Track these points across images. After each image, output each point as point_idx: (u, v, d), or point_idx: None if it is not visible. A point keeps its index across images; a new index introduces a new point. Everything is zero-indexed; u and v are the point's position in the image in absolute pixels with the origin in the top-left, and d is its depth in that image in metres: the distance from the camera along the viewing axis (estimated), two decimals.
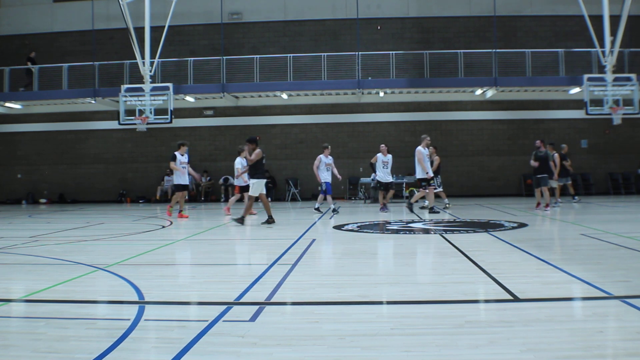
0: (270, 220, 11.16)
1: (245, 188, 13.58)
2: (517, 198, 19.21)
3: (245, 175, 13.60)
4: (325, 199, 13.98)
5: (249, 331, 3.65)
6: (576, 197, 16.47)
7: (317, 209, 14.03)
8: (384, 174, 14.42)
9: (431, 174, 13.42)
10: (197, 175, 14.80)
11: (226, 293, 4.85)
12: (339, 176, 14.39)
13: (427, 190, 13.42)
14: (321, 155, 14.00)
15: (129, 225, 12.11)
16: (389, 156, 14.53)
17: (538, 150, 14.06)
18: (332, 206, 13.87)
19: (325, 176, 13.79)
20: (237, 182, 13.79)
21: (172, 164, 13.10)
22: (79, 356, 3.22)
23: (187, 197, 17.69)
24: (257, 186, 11.08)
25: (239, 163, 13.68)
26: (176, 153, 13.05)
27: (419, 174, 13.38)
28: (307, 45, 21.56)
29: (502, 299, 4.49)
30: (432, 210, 13.36)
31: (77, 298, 4.74)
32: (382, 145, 14.71)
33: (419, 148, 13.29)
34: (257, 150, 10.99)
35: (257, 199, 11.48)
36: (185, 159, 13.16)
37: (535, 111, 21.31)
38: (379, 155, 14.50)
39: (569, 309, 4.32)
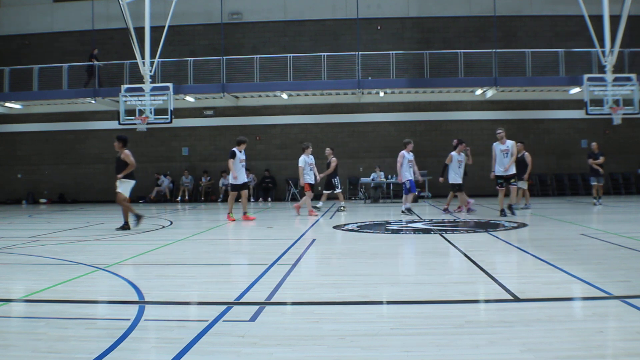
0: (125, 227, 10.61)
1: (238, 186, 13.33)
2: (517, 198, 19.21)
3: (310, 174, 13.41)
4: (408, 198, 13.31)
5: (249, 331, 3.65)
6: (599, 200, 15.38)
7: (408, 210, 13.13)
8: (457, 175, 13.34)
9: (513, 171, 12.13)
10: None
11: (226, 293, 4.85)
12: (419, 177, 13.68)
13: (512, 188, 12.22)
14: (404, 152, 13.13)
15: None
16: (462, 154, 13.52)
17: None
18: (408, 205, 13.17)
19: (408, 174, 13.02)
20: (307, 179, 13.49)
21: (230, 162, 12.18)
22: (79, 356, 3.22)
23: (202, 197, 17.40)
24: (128, 186, 10.70)
25: (303, 161, 13.37)
26: (235, 149, 12.27)
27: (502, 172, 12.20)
28: (307, 45, 21.56)
29: (502, 299, 4.49)
30: (510, 209, 12.22)
31: (77, 298, 4.73)
32: (462, 142, 13.62)
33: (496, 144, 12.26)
34: (128, 151, 10.64)
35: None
36: (243, 156, 12.41)
37: (535, 111, 21.31)
38: (454, 154, 13.35)
39: (569, 309, 4.32)
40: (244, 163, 12.41)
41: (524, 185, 14.18)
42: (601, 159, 15.39)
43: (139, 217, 10.66)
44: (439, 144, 21.69)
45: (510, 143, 12.11)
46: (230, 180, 12.42)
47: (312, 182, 13.61)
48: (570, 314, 4.17)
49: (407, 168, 13.02)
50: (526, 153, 14.26)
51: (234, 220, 12.20)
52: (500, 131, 12.31)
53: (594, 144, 15.94)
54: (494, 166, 12.28)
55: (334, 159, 14.72)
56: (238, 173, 12.17)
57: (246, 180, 12.59)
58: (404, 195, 13.44)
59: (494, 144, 12.35)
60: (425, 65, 19.56)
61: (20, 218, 14.84)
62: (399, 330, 3.64)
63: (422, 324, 3.78)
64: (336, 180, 14.67)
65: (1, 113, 22.07)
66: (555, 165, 21.27)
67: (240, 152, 12.29)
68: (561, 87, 19.54)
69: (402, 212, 13.12)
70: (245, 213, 12.45)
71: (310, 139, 21.85)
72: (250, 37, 22.09)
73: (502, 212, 12.16)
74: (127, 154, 10.55)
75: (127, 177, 10.57)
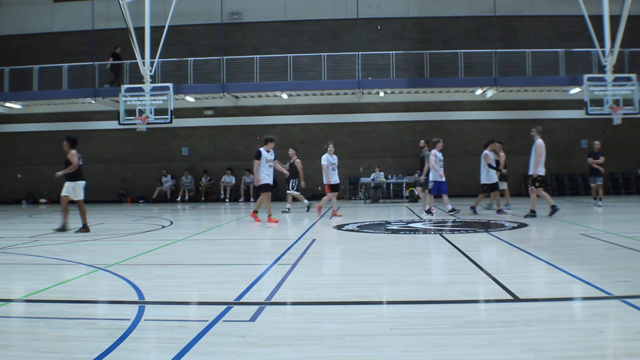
0: (84, 229, 10.00)
1: (336, 187, 13.12)
2: (517, 198, 19.20)
3: (332, 174, 12.92)
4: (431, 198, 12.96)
5: (249, 331, 3.65)
6: (599, 202, 14.91)
7: (452, 210, 12.79)
8: (491, 174, 13.01)
9: (536, 172, 11.63)
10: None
11: (226, 293, 4.85)
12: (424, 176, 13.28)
13: (538, 189, 11.78)
14: (435, 150, 12.73)
15: (129, 225, 12.12)
16: (501, 154, 13.41)
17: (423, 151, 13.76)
18: (449, 206, 12.80)
19: (434, 174, 12.71)
20: (326, 180, 13.10)
21: (255, 163, 11.50)
22: (79, 356, 3.22)
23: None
24: (79, 188, 10.22)
25: (326, 160, 12.96)
26: (261, 149, 11.61)
27: (533, 171, 11.82)
28: (307, 45, 21.56)
29: (502, 299, 4.49)
30: (553, 210, 11.67)
31: (77, 298, 4.73)
32: (497, 143, 13.42)
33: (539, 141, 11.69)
34: (74, 151, 10.24)
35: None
36: (271, 156, 11.78)
37: (535, 111, 21.31)
38: (489, 153, 13.11)
39: (569, 309, 4.32)
40: (271, 163, 11.82)
41: (503, 185, 14.04)
42: (601, 159, 15.14)
43: (64, 227, 10.19)
44: None
45: (535, 143, 11.68)
46: (261, 181, 11.68)
47: (334, 182, 13.15)
48: (570, 314, 4.17)
49: (439, 167, 12.67)
50: (502, 153, 14.01)
51: (277, 222, 11.56)
52: (532, 130, 12.00)
53: (596, 143, 15.56)
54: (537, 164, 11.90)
55: (297, 160, 14.42)
56: (262, 174, 11.56)
57: (270, 182, 11.85)
58: (429, 195, 13.01)
59: (540, 141, 11.94)
60: (425, 65, 19.56)
61: (20, 218, 14.83)
62: (399, 330, 3.64)
63: (422, 324, 3.78)
64: (294, 182, 14.36)
65: (1, 113, 22.08)
66: (555, 165, 21.24)
67: (268, 151, 11.69)
68: (561, 87, 19.54)
69: (426, 212, 12.77)
70: (255, 212, 12.04)
71: (310, 139, 21.90)
72: (250, 37, 22.09)
73: (554, 208, 11.75)
74: (72, 154, 10.20)
75: (75, 178, 10.18)
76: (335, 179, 13.21)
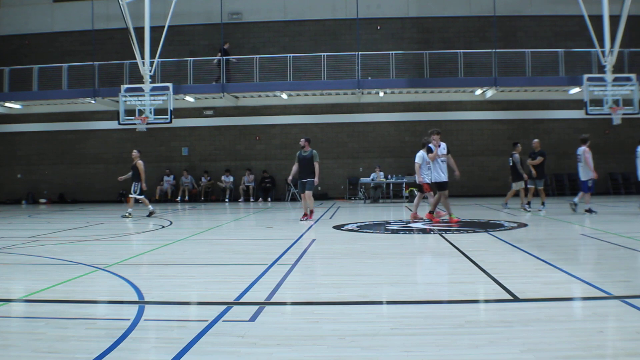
0: None
1: (443, 185, 11.31)
2: (517, 198, 19.21)
3: (428, 172, 11.19)
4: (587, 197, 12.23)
5: (249, 331, 3.65)
6: (528, 207, 13.69)
7: (590, 210, 12.13)
8: None
9: None
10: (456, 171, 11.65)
11: (226, 293, 4.85)
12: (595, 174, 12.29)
13: None
14: (586, 147, 12.11)
15: (129, 225, 12.11)
16: None
17: (302, 150, 12.25)
18: (588, 205, 12.14)
19: (592, 172, 11.92)
20: (424, 179, 11.29)
21: (418, 157, 10.98)
22: (79, 356, 3.22)
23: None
24: None
25: (420, 158, 11.21)
26: (430, 145, 10.91)
27: None
28: (307, 45, 21.56)
29: (502, 299, 4.49)
30: None
31: (77, 298, 4.74)
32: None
33: None
34: None
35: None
36: (444, 150, 11.02)
37: (535, 111, 21.32)
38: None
39: (569, 309, 4.32)
40: (443, 159, 11.00)
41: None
42: (538, 160, 13.56)
43: None
44: None
45: None
46: (433, 178, 10.97)
47: (429, 181, 11.39)
48: (570, 314, 4.17)
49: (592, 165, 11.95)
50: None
51: (458, 220, 10.94)
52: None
53: (535, 141, 13.98)
54: None
55: (139, 162, 13.83)
56: (438, 171, 10.86)
57: (446, 179, 11.03)
58: (585, 195, 12.23)
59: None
60: (425, 65, 19.56)
61: (20, 218, 14.83)
62: (399, 330, 3.64)
63: (422, 324, 3.78)
64: (136, 185, 13.78)
65: (1, 113, 22.07)
66: (555, 165, 21.24)
67: (439, 146, 10.93)
68: (561, 87, 19.53)
69: (586, 211, 12.15)
70: (431, 212, 11.24)
71: (310, 139, 21.85)
72: (250, 37, 22.09)
73: None
74: None
75: None
76: (429, 177, 11.31)
